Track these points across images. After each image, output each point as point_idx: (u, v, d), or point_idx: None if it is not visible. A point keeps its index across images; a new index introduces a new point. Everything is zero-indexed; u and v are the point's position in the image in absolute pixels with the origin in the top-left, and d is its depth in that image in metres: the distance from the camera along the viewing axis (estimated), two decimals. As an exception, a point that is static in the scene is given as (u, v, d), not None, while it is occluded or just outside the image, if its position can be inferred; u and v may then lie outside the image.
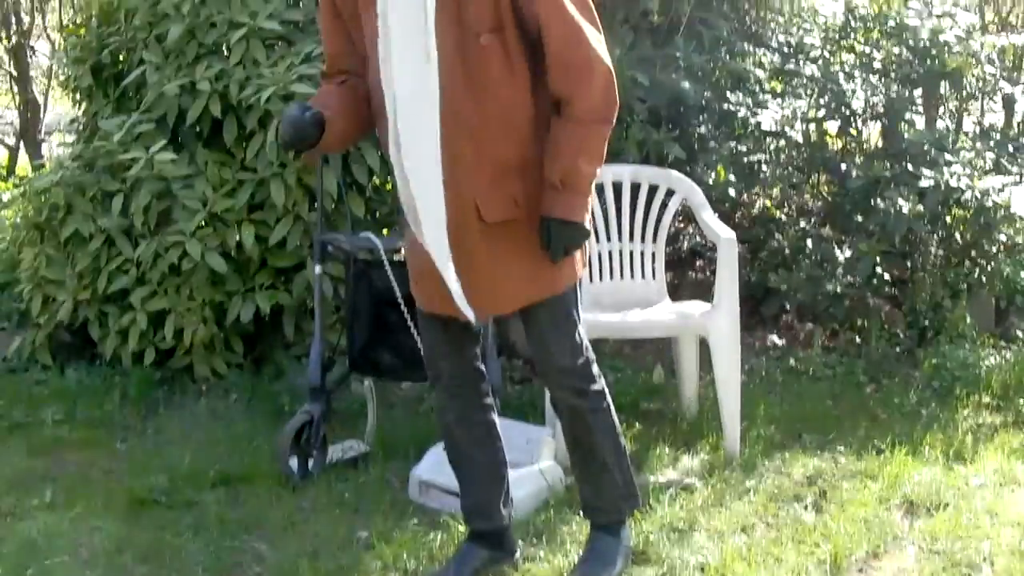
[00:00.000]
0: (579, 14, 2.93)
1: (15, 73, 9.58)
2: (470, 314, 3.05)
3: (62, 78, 6.33)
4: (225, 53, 5.30)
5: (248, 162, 5.10)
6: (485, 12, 2.90)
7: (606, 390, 3.32)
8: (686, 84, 5.61)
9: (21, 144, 9.68)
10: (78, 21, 6.60)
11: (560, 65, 2.94)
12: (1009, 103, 6.59)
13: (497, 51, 2.92)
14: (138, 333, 5.11)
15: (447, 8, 2.87)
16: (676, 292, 5.31)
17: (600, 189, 4.72)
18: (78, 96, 5.95)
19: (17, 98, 9.68)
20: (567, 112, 2.98)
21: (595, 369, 3.26)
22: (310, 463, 4.25)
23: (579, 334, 3.20)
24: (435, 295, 3.09)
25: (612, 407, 3.33)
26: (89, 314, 5.28)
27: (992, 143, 6.08)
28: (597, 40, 2.97)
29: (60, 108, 10.45)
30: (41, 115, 9.67)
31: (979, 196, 5.37)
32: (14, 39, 9.41)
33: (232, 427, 4.80)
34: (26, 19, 9.43)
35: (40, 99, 9.69)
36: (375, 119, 3.13)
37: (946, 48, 5.98)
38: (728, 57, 6.04)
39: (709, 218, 4.69)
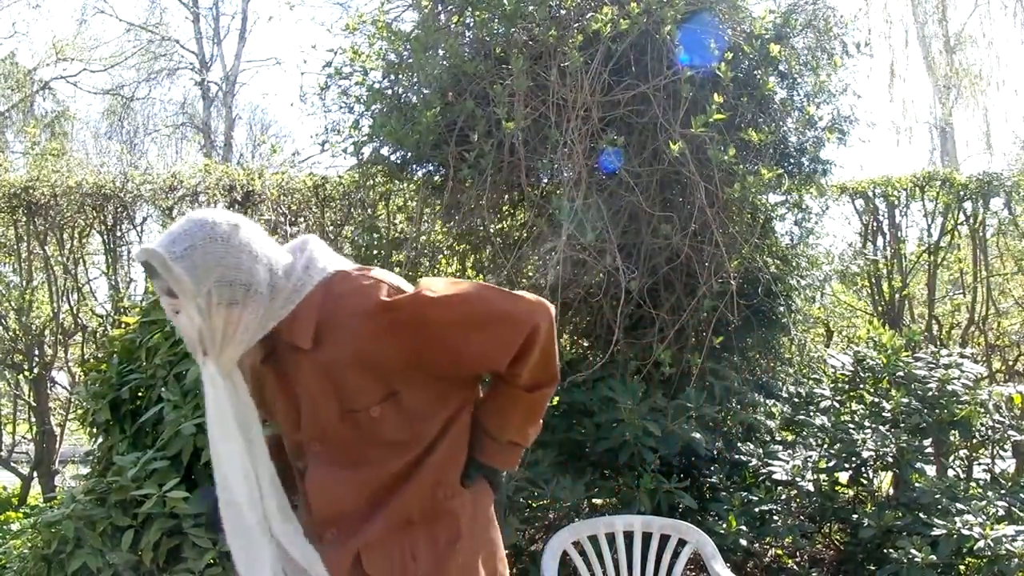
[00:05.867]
0: (476, 317, 2.63)
1: (34, 403, 9.70)
2: None
3: (80, 411, 6.39)
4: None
5: (259, 499, 5.08)
6: (370, 390, 2.65)
7: None
8: (697, 435, 5.69)
9: (35, 474, 9.70)
10: (100, 356, 6.72)
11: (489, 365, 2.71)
12: (1019, 451, 6.62)
13: (391, 416, 2.67)
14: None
15: (325, 391, 2.67)
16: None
17: (611, 539, 4.71)
18: (94, 430, 6.00)
19: (34, 428, 9.76)
20: (513, 382, 2.71)
21: None
22: None
23: None
24: None
25: None
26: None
27: (1003, 491, 6.08)
28: (505, 307, 2.65)
29: (75, 439, 10.52)
30: (56, 446, 9.73)
31: (992, 544, 5.34)
32: (35, 370, 9.57)
33: None
34: (48, 351, 9.61)
35: (56, 430, 9.77)
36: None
37: (954, 398, 6.07)
38: (739, 408, 6.13)
39: (720, 568, 4.65)
